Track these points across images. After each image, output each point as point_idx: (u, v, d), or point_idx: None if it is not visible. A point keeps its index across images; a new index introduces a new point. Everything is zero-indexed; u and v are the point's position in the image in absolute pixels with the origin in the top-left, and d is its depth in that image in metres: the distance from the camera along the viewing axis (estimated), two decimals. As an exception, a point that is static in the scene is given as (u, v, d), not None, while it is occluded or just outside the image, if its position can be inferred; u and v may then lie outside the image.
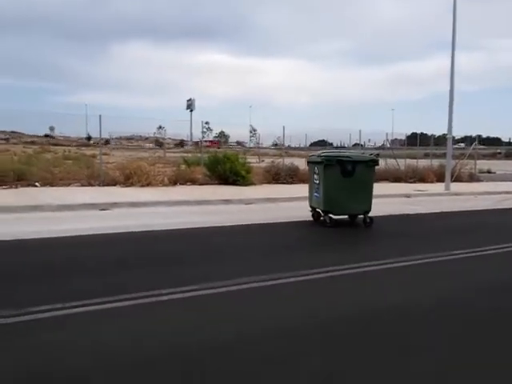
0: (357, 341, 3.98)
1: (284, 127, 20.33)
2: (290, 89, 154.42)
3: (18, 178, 14.24)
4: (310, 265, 6.28)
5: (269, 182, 18.30)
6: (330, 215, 9.72)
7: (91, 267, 6.10)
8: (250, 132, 52.66)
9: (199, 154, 19.92)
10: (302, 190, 16.12)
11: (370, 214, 9.78)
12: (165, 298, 4.86)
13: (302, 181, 18.92)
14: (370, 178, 10.00)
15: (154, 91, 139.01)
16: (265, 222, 10.01)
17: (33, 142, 43.90)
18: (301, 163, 20.21)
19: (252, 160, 23.05)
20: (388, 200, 14.68)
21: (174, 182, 16.31)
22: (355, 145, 26.45)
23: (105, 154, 16.87)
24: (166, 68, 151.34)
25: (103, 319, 4.32)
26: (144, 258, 6.72)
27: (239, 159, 17.89)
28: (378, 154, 10.83)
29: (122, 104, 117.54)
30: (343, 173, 9.66)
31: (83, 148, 39.36)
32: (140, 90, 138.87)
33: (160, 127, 51.36)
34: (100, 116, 15.85)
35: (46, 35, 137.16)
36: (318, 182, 9.99)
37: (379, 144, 35.71)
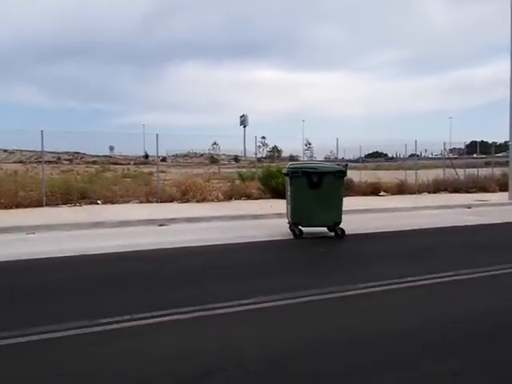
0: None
1: (337, 139, 20.22)
2: (342, 101, 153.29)
3: (82, 196, 14.90)
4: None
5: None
6: (300, 227, 9.60)
7: (152, 281, 6.30)
8: (306, 145, 52.53)
9: (253, 169, 20.10)
10: (357, 202, 15.98)
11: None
12: (233, 309, 4.94)
13: (357, 193, 18.71)
14: (338, 189, 9.78)
15: (208, 109, 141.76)
16: (324, 235, 9.95)
17: (94, 162, 45.72)
18: (355, 176, 20.00)
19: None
20: (447, 211, 14.23)
21: (229, 197, 16.52)
22: (412, 155, 25.83)
23: (162, 172, 17.37)
24: (218, 86, 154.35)
25: (174, 329, 4.45)
26: (200, 271, 6.86)
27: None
28: (346, 165, 10.41)
29: (177, 122, 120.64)
30: (310, 184, 9.55)
31: (141, 166, 40.57)
32: (194, 108, 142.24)
33: (214, 143, 52.26)
34: (157, 135, 16.37)
35: (106, 60, 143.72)
36: (288, 193, 9.96)
37: (436, 154, 34.72)
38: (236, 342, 4.18)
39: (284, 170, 10.30)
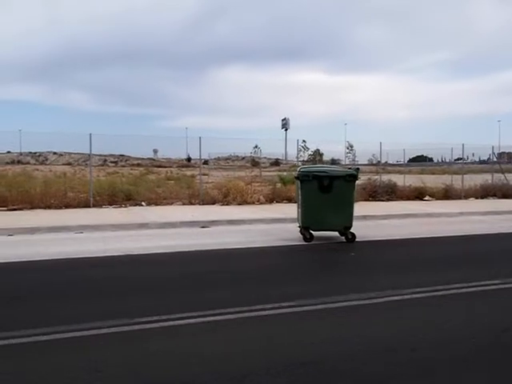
0: None
1: (381, 143, 19.95)
2: (386, 104, 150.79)
3: (127, 198, 15.29)
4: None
5: (365, 200, 17.94)
6: (311, 231, 9.48)
7: (194, 281, 6.41)
8: (347, 148, 52.01)
9: (294, 173, 20.04)
10: (400, 207, 15.72)
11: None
12: (267, 312, 4.97)
13: (400, 198, 18.39)
14: (349, 193, 9.60)
15: (250, 112, 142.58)
16: (364, 239, 9.86)
17: (138, 165, 46.86)
18: (399, 180, 19.67)
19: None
20: (496, 217, 13.78)
21: (270, 200, 16.57)
22: (458, 159, 25.17)
23: (204, 174, 17.61)
24: (260, 89, 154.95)
25: (211, 330, 4.52)
26: (241, 273, 6.92)
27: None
28: (357, 169, 10.19)
29: (219, 126, 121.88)
30: (320, 188, 9.41)
31: (183, 169, 41.21)
32: (236, 111, 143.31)
33: (256, 147, 52.51)
34: (200, 138, 16.63)
35: (150, 65, 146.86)
36: (299, 197, 9.82)
37: (484, 158, 33.66)
38: (278, 345, 4.20)
39: (294, 174, 10.22)
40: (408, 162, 32.83)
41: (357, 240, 9.60)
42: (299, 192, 9.74)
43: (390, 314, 5.13)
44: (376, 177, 20.16)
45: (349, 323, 4.81)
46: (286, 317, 4.91)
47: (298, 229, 9.97)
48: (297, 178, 9.75)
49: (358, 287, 6.03)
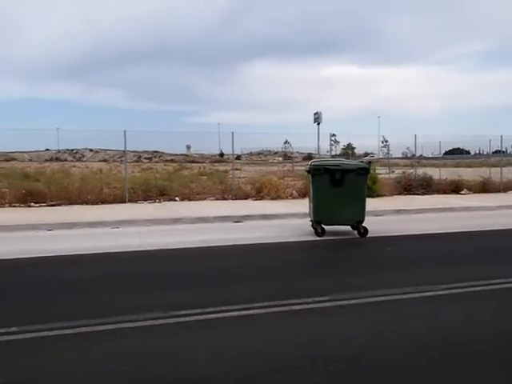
0: None
1: (416, 136, 19.57)
2: (421, 96, 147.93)
3: (161, 193, 15.53)
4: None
5: (400, 193, 17.69)
6: (322, 225, 9.36)
7: (228, 276, 6.48)
8: (382, 142, 51.22)
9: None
10: (436, 200, 15.42)
11: None
12: (309, 306, 4.98)
13: (436, 191, 18.04)
14: (361, 187, 9.42)
15: (281, 107, 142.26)
16: (392, 234, 9.75)
17: (172, 160, 47.40)
18: (435, 173, 19.28)
19: (382, 171, 22.49)
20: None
21: (303, 195, 16.49)
22: (496, 152, 24.47)
23: (236, 169, 17.69)
24: (291, 84, 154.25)
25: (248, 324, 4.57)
26: (274, 267, 6.94)
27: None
28: (370, 162, 9.97)
29: (250, 121, 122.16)
30: (332, 182, 9.25)
31: (216, 164, 41.50)
32: (267, 106, 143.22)
33: (286, 142, 52.39)
34: (232, 133, 16.70)
35: (181, 62, 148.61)
36: (310, 191, 9.67)
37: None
38: (314, 338, 4.20)
39: (306, 167, 10.09)
40: (444, 154, 32.14)
41: (390, 234, 9.50)
42: (310, 186, 9.64)
43: (428, 308, 5.06)
44: (411, 170, 19.84)
45: (383, 318, 4.77)
46: (322, 311, 4.91)
47: (310, 223, 9.89)
48: (308, 171, 9.62)
49: (394, 282, 5.97)
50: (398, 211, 13.18)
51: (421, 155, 30.93)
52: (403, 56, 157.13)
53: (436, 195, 17.50)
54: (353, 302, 5.16)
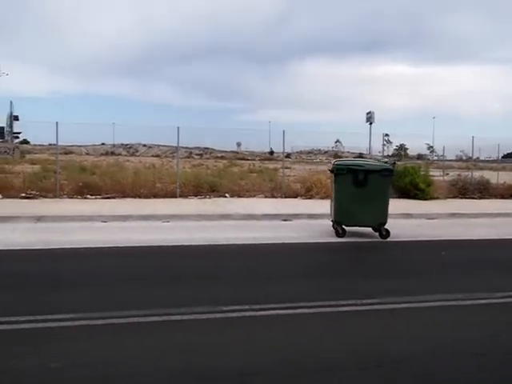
0: None
1: (473, 138, 18.89)
2: (478, 96, 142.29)
3: (211, 189, 15.72)
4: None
5: (454, 197, 17.13)
6: (343, 226, 9.14)
7: (271, 274, 6.49)
8: (429, 148, 49.83)
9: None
10: (494, 205, 14.83)
11: None
12: (351, 308, 4.93)
13: (494, 196, 17.38)
14: (384, 189, 9.15)
15: (332, 106, 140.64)
16: (446, 238, 9.46)
17: (222, 157, 47.99)
18: (492, 177, 18.56)
19: (435, 173, 21.85)
20: None
21: (352, 195, 16.28)
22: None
23: (286, 168, 17.64)
24: (343, 82, 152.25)
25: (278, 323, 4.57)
26: (311, 267, 6.90)
27: (420, 172, 17.09)
28: (394, 163, 9.61)
29: (301, 119, 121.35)
30: (355, 182, 8.99)
31: (266, 162, 41.63)
32: (318, 105, 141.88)
33: (337, 141, 51.94)
34: (284, 131, 16.70)
35: (233, 60, 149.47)
36: (333, 191, 9.41)
37: None
38: (355, 341, 4.16)
39: (328, 167, 9.86)
40: (502, 157, 30.83)
41: (443, 239, 9.26)
42: (333, 186, 9.45)
43: (481, 316, 4.89)
44: (467, 173, 19.18)
45: (435, 323, 4.64)
46: (371, 313, 4.85)
47: (331, 223, 9.76)
48: (331, 171, 9.42)
49: (446, 287, 5.81)
50: (453, 215, 12.78)
51: (477, 158, 29.82)
52: (459, 54, 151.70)
53: (493, 200, 16.84)
54: (403, 305, 5.07)
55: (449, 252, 8.25)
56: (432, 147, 37.28)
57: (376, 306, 5.00)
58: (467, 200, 16.66)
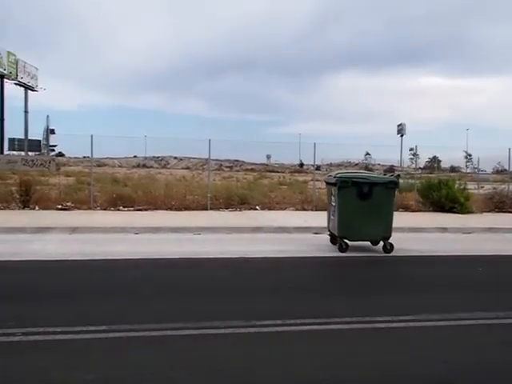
0: None
1: (510, 149, 18.39)
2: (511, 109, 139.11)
3: (242, 202, 15.74)
4: None
5: (490, 211, 16.68)
6: (346, 240, 8.90)
7: (300, 288, 6.41)
8: (466, 157, 48.82)
9: (411, 180, 19.26)
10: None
11: None
12: (386, 324, 4.82)
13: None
14: (389, 202, 8.93)
15: (363, 118, 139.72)
16: (482, 254, 9.22)
17: (252, 169, 48.11)
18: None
19: (469, 186, 21.36)
20: None
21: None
22: None
23: (317, 180, 17.51)
24: (375, 94, 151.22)
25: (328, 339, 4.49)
26: (347, 282, 6.78)
27: (456, 185, 16.73)
28: (398, 176, 9.36)
29: (331, 132, 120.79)
30: (359, 195, 8.74)
31: (295, 174, 41.55)
32: (349, 117, 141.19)
33: (367, 154, 51.44)
34: (315, 144, 16.63)
35: (266, 73, 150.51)
36: (334, 204, 9.13)
37: None
38: (391, 359, 4.05)
39: (329, 179, 9.57)
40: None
41: (475, 254, 9.04)
42: (334, 199, 9.18)
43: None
44: (503, 186, 18.69)
45: (471, 342, 4.49)
46: (406, 330, 4.73)
47: (328, 237, 9.68)
48: (333, 184, 9.14)
49: (484, 304, 5.63)
50: (489, 229, 12.43)
51: (514, 170, 28.97)
52: (493, 66, 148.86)
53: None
54: (440, 323, 4.93)
55: (487, 268, 8.00)
56: (470, 155, 36.40)
57: (410, 324, 4.88)
58: (504, 214, 16.19)
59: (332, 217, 9.45)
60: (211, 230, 11.21)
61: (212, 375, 3.66)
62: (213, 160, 28.82)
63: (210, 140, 15.65)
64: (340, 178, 9.08)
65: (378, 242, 9.30)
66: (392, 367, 3.90)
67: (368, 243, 9.43)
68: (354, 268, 8.09)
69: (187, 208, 14.77)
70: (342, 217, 8.95)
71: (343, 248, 9.00)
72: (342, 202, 8.96)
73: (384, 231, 9.00)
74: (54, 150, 51.94)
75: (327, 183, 9.94)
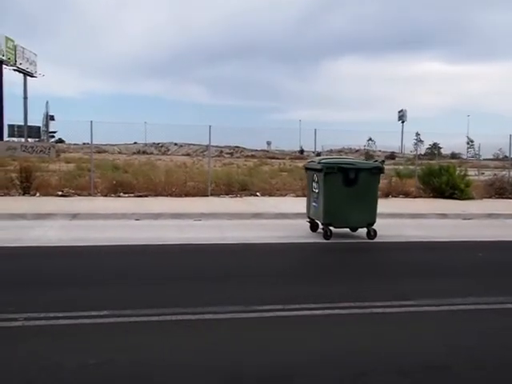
0: None
1: (511, 136, 18.31)
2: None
3: (242, 188, 15.73)
4: None
5: (491, 197, 16.68)
6: (331, 227, 8.77)
7: (304, 273, 6.44)
8: (468, 143, 48.68)
9: (411, 166, 19.25)
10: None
11: None
12: (381, 310, 4.85)
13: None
14: (374, 188, 8.86)
15: (364, 105, 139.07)
16: (482, 239, 9.24)
17: (252, 156, 48.01)
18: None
19: (470, 173, 21.34)
20: None
21: (385, 195, 16.02)
22: None
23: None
24: (375, 81, 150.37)
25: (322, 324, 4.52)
26: (332, 268, 6.81)
27: (457, 171, 16.71)
28: (383, 161, 9.27)
29: (332, 118, 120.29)
30: (345, 181, 8.62)
31: (296, 160, 41.43)
32: (350, 103, 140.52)
33: (369, 139, 51.37)
34: (315, 130, 16.68)
35: (266, 60, 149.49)
36: (316, 190, 9.00)
37: None
38: (389, 345, 4.08)
39: (312, 165, 9.39)
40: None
41: (474, 240, 9.04)
42: (318, 185, 9.00)
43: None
44: (503, 172, 18.67)
45: (468, 328, 4.52)
46: (404, 316, 4.77)
47: (308, 224, 9.59)
48: (319, 170, 8.90)
49: (476, 290, 5.66)
50: (489, 215, 12.44)
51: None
52: (495, 51, 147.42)
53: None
54: (439, 308, 4.97)
55: (487, 253, 8.02)
56: (472, 142, 36.25)
57: (411, 309, 4.92)
58: (504, 200, 16.20)
59: (314, 204, 9.27)
60: (212, 216, 11.22)
61: (209, 359, 3.69)
62: (213, 146, 28.78)
63: (210, 126, 15.61)
64: (326, 163, 8.88)
65: (357, 229, 9.24)
66: (393, 351, 3.93)
67: (347, 230, 9.33)
68: (353, 254, 8.13)
69: (188, 194, 14.77)
70: (328, 203, 8.77)
71: (328, 235, 8.86)
72: (327, 188, 8.76)
73: (369, 217, 8.94)
74: (53, 137, 51.91)
75: (308, 169, 9.73)
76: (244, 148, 56.79)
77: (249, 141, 38.75)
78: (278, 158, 44.73)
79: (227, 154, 52.65)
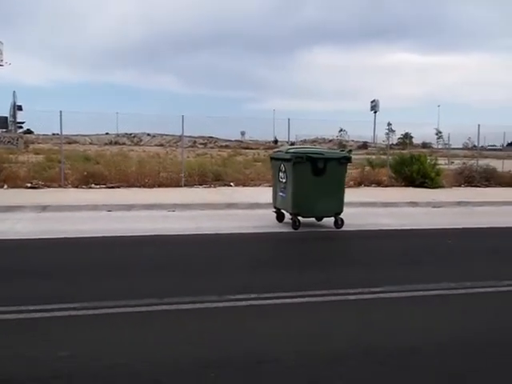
0: None
1: (479, 126, 18.72)
2: (483, 85, 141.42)
3: (216, 179, 15.68)
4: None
5: (460, 185, 17.05)
6: (299, 217, 8.82)
7: (277, 263, 6.47)
8: (436, 134, 49.54)
9: (383, 156, 19.51)
10: (501, 193, 14.75)
11: None
12: (353, 297, 4.92)
13: (499, 184, 17.29)
14: (341, 177, 8.99)
15: (338, 94, 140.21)
16: (452, 227, 9.43)
17: (226, 146, 47.95)
18: (497, 165, 18.47)
19: (440, 162, 21.76)
20: None
21: (358, 184, 16.24)
22: None
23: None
24: (348, 71, 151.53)
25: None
26: (297, 257, 6.87)
27: (428, 160, 17.01)
28: (350, 150, 9.49)
29: (306, 108, 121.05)
30: (314, 171, 8.66)
31: (270, 151, 41.48)
32: (324, 93, 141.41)
33: (341, 130, 51.77)
34: (289, 120, 16.65)
35: (238, 48, 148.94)
36: (284, 180, 9.04)
37: None
38: (365, 330, 4.14)
39: (280, 155, 9.43)
40: (508, 145, 30.64)
41: (447, 227, 9.21)
42: (285, 175, 8.99)
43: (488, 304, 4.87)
44: (472, 161, 19.10)
45: (439, 311, 4.63)
46: (377, 302, 4.84)
47: (274, 214, 9.58)
48: (287, 159, 8.87)
49: (447, 276, 5.79)
50: (459, 203, 12.71)
51: (482, 146, 29.63)
52: (466, 43, 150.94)
53: (499, 188, 16.75)
54: (403, 294, 5.06)
55: (453, 239, 8.21)
56: (441, 133, 36.85)
57: (381, 295, 4.99)
58: (473, 188, 16.58)
59: (281, 193, 9.24)
60: (185, 206, 11.14)
61: (183, 348, 3.69)
62: (186, 137, 28.59)
63: (183, 116, 15.48)
64: (295, 153, 8.85)
65: (323, 218, 9.27)
66: (369, 338, 3.99)
67: (313, 219, 9.36)
68: (323, 243, 8.21)
69: (161, 185, 14.64)
70: (296, 193, 8.73)
71: (296, 225, 8.83)
72: (296, 178, 8.70)
73: (337, 207, 8.96)
74: (21, 127, 50.51)
75: (274, 159, 9.71)
76: (218, 138, 56.59)
77: (223, 131, 38.59)
78: (252, 148, 44.71)
79: (201, 144, 52.42)
